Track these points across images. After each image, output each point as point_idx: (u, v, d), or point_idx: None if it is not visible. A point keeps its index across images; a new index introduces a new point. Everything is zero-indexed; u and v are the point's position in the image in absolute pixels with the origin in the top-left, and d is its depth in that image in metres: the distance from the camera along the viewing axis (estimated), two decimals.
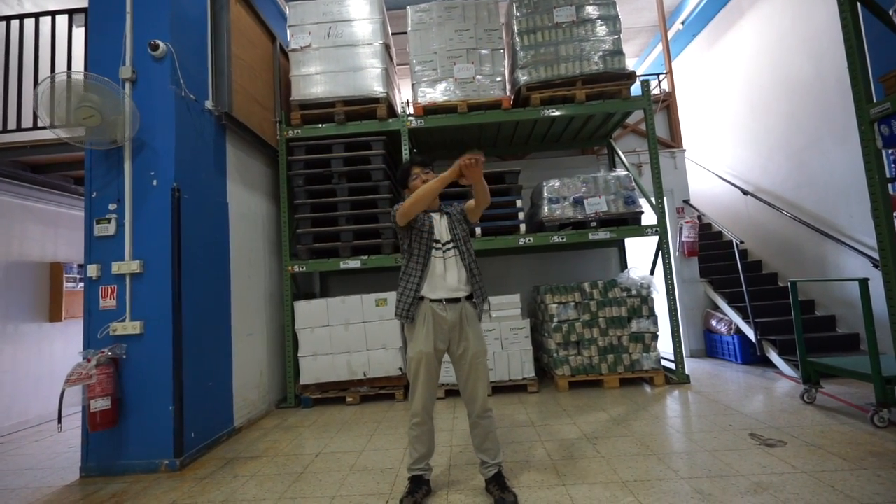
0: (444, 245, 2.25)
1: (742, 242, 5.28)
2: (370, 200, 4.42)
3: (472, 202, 2.30)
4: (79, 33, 3.62)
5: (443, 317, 2.17)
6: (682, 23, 7.00)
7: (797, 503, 1.92)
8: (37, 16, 3.71)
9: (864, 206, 4.21)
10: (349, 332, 4.25)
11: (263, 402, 4.06)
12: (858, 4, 2.88)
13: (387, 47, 4.62)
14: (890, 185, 2.81)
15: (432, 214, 2.31)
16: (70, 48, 3.75)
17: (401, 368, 4.21)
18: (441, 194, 2.28)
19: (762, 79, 5.67)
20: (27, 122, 3.79)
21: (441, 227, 2.29)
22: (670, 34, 7.01)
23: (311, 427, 3.57)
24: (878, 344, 2.83)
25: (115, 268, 2.93)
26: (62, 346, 4.57)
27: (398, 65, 5.86)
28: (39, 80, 2.74)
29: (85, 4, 3.31)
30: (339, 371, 4.23)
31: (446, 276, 2.21)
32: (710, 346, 5.41)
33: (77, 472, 2.84)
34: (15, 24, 3.78)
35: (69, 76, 2.85)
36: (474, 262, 2.31)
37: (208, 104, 3.51)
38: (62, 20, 3.72)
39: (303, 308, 4.30)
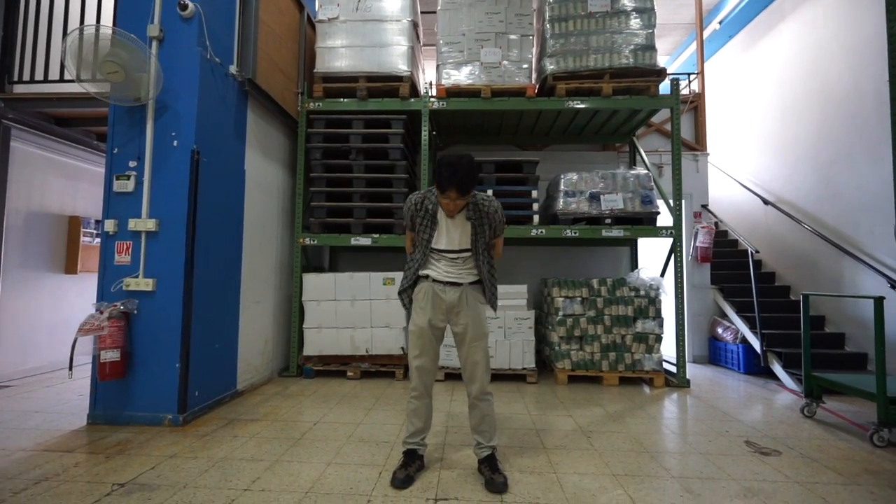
0: (455, 252, 2.17)
1: (758, 252, 5.20)
2: (385, 179, 4.42)
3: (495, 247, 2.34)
4: None
5: (441, 297, 2.19)
6: (720, 22, 6.79)
7: None
8: None
9: (888, 224, 4.12)
10: (355, 308, 4.29)
11: (266, 368, 4.14)
12: None
13: (415, 25, 4.56)
14: None
15: (447, 219, 2.17)
16: (100, 2, 3.77)
17: (402, 348, 4.26)
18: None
19: (796, 86, 5.51)
20: (54, 74, 3.83)
21: (456, 234, 2.17)
22: (706, 33, 6.81)
23: (312, 397, 3.64)
24: (886, 364, 2.79)
25: (132, 224, 2.98)
26: (76, 297, 4.69)
27: (424, 45, 5.79)
28: (68, 32, 2.75)
29: None
30: (343, 345, 4.29)
31: (450, 269, 2.21)
32: (714, 354, 5.38)
33: (84, 418, 2.94)
34: None
35: (97, 29, 2.87)
36: (486, 260, 2.24)
37: (232, 69, 3.51)
38: None
39: (311, 281, 4.34)
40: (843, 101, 4.79)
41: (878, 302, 2.85)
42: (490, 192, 4.40)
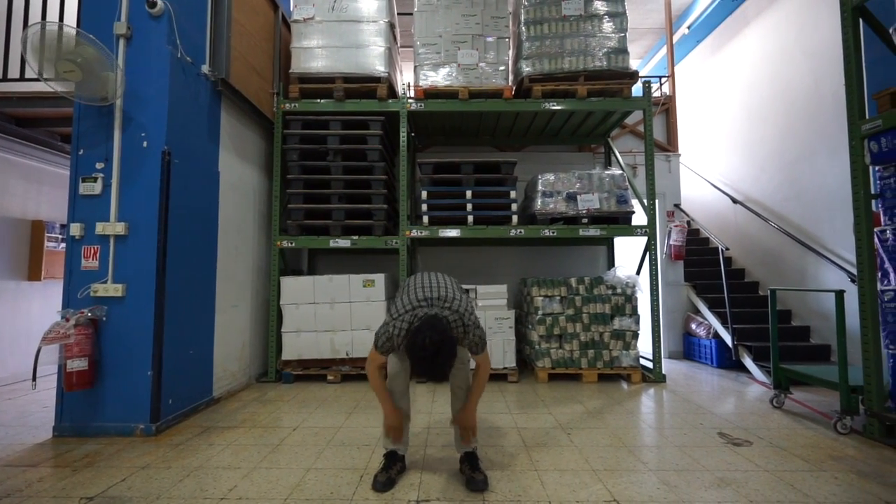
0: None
1: (727, 249, 5.38)
2: (364, 181, 4.39)
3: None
4: None
5: None
6: (688, 27, 7.01)
7: (757, 498, 2.00)
8: None
9: (848, 221, 4.32)
10: (334, 311, 4.24)
11: (244, 374, 4.05)
12: (861, 21, 2.92)
13: (391, 26, 4.55)
14: (874, 202, 2.88)
15: None
16: None
17: None
18: None
19: (761, 89, 5.73)
20: (14, 72, 3.67)
21: None
22: (675, 38, 7.02)
23: (291, 402, 3.58)
24: (847, 355, 2.92)
25: (100, 228, 2.87)
26: (40, 305, 4.49)
27: (401, 46, 5.78)
28: (28, 25, 2.64)
29: None
30: (322, 349, 4.23)
31: None
32: (688, 349, 5.53)
33: (50, 431, 2.82)
34: None
35: (60, 27, 2.76)
36: (466, 377, 2.21)
37: (205, 69, 3.43)
38: None
39: (289, 284, 4.28)
40: (804, 104, 5.01)
41: (839, 295, 2.99)
42: (469, 193, 4.43)
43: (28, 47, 2.57)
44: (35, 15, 3.50)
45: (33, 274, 4.41)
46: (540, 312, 4.27)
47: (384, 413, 2.17)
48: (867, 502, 1.97)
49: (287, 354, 4.24)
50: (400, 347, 2.04)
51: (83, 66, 2.66)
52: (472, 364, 2.27)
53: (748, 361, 4.59)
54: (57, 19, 3.39)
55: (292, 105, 4.40)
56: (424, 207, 4.45)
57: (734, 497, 2.01)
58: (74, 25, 2.91)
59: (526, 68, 4.39)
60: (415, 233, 4.37)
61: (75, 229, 2.88)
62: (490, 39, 4.45)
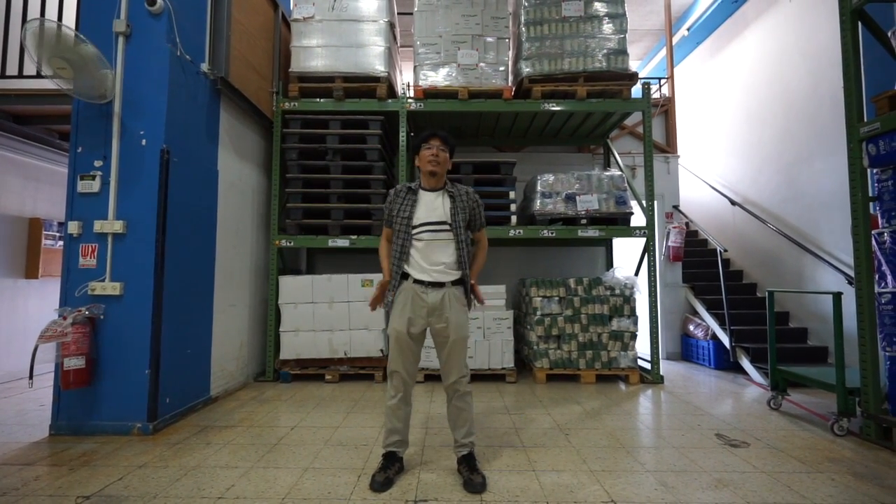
0: (433, 224, 2.18)
1: (726, 251, 5.39)
2: (363, 180, 4.39)
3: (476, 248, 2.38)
4: None
5: (423, 299, 2.17)
6: (688, 29, 7.02)
7: (754, 499, 2.00)
8: None
9: (845, 223, 4.32)
10: (333, 311, 4.24)
11: (242, 373, 4.04)
12: (860, 24, 2.93)
13: (391, 26, 4.55)
14: (871, 204, 2.89)
15: (427, 193, 2.24)
16: None
17: (382, 350, 4.23)
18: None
19: (760, 91, 5.74)
20: (12, 69, 3.65)
21: (435, 205, 2.21)
22: (675, 39, 7.03)
23: (289, 401, 3.57)
24: (845, 357, 2.93)
25: (98, 226, 2.86)
26: (37, 303, 4.47)
27: (401, 46, 5.78)
28: (28, 20, 2.63)
29: None
30: (321, 348, 4.23)
31: (430, 256, 2.18)
32: (686, 350, 5.54)
33: (46, 430, 2.81)
34: None
35: (49, 23, 2.75)
36: (467, 248, 2.27)
37: (204, 67, 3.42)
38: None
39: (288, 283, 4.27)
40: (803, 106, 5.03)
41: (837, 297, 3.00)
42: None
43: (28, 43, 2.56)
44: (34, 12, 3.49)
45: (31, 272, 4.40)
46: (538, 313, 4.28)
47: (383, 273, 2.30)
48: None
49: (285, 354, 4.23)
50: (402, 195, 2.25)
51: (75, 64, 2.64)
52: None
53: (746, 363, 4.59)
54: (56, 17, 3.38)
55: (292, 104, 4.39)
56: None
57: (731, 498, 2.02)
58: (60, 21, 2.90)
59: (526, 69, 4.40)
60: None
61: (73, 227, 2.87)
62: (490, 39, 4.45)
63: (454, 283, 2.22)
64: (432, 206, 2.21)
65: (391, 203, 2.28)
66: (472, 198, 2.30)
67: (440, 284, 2.18)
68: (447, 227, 2.19)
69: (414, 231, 2.19)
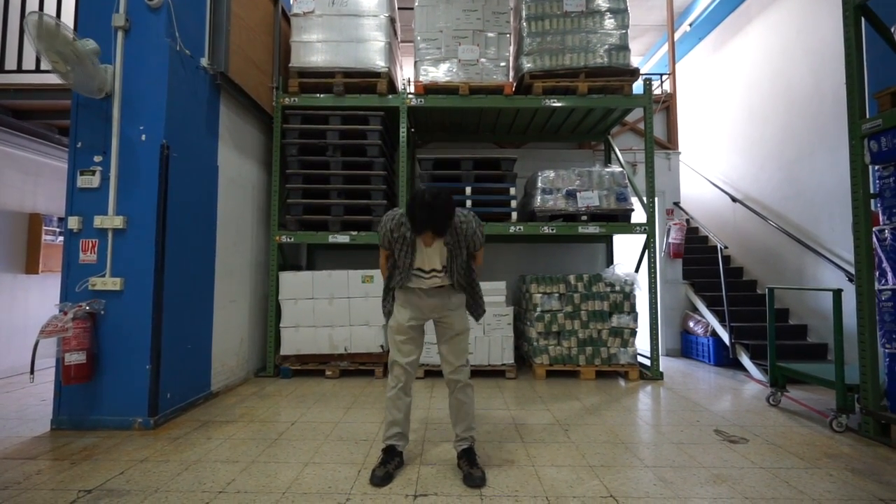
0: (430, 271, 2.16)
1: (726, 248, 5.39)
2: (363, 176, 4.38)
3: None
4: None
5: (423, 299, 2.21)
6: (690, 24, 6.99)
7: (753, 495, 2.01)
8: None
9: (846, 221, 4.32)
10: (333, 307, 4.24)
11: (242, 369, 4.05)
12: (863, 20, 2.91)
13: (392, 21, 4.53)
14: (872, 202, 2.88)
15: (425, 248, 2.13)
16: None
17: (382, 345, 4.23)
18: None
19: (762, 87, 5.72)
20: (11, 64, 3.64)
21: (432, 256, 2.13)
22: (677, 35, 7.00)
23: (289, 397, 3.58)
24: (844, 354, 2.93)
25: (98, 221, 2.86)
26: (38, 299, 4.48)
27: (402, 41, 5.75)
28: (27, 14, 2.61)
29: None
30: (321, 344, 4.24)
31: (429, 282, 2.19)
32: (686, 346, 5.55)
33: (48, 424, 2.82)
34: None
35: (55, 20, 2.73)
36: (465, 272, 2.23)
37: (204, 62, 3.41)
38: None
39: (288, 279, 4.27)
40: (805, 103, 5.01)
41: (837, 294, 3.00)
42: (469, 189, 4.42)
43: (29, 35, 2.55)
44: (32, 4, 3.47)
45: (31, 267, 4.40)
46: (538, 309, 4.28)
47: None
48: (861, 499, 1.98)
49: (285, 349, 4.24)
50: (398, 239, 2.12)
51: (69, 59, 2.63)
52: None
53: (745, 359, 4.60)
54: (55, 11, 3.37)
55: (292, 99, 4.38)
56: None
57: (730, 493, 2.03)
58: (58, 16, 2.87)
59: (527, 64, 4.38)
60: None
61: (73, 222, 2.87)
62: (491, 35, 4.43)
63: (453, 285, 2.23)
64: (429, 255, 2.14)
65: (388, 238, 2.15)
66: (469, 228, 2.13)
67: (439, 287, 2.22)
68: (443, 272, 2.17)
69: (413, 269, 2.18)
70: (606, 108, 4.68)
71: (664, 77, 6.21)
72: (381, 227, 2.17)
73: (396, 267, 2.21)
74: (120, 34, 2.95)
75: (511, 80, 4.59)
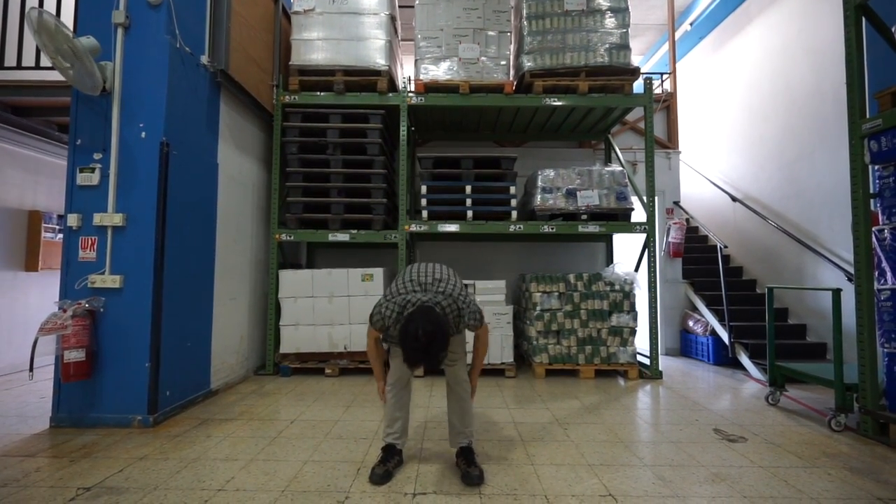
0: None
1: (726, 247, 5.39)
2: (363, 174, 4.38)
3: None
4: None
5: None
6: (691, 24, 6.98)
7: (751, 494, 2.02)
8: None
9: (846, 220, 4.32)
10: (333, 305, 4.24)
11: (242, 367, 4.06)
12: (863, 20, 2.91)
13: (392, 19, 4.52)
14: (872, 201, 2.88)
15: None
16: None
17: None
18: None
19: (762, 87, 5.71)
20: (11, 60, 3.63)
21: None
22: (678, 34, 6.99)
23: (289, 395, 3.59)
24: (843, 353, 2.94)
25: (97, 219, 2.86)
26: (37, 296, 4.48)
27: (402, 40, 5.74)
28: (28, 10, 2.60)
29: None
30: (320, 342, 4.24)
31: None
32: (685, 346, 5.56)
33: (47, 421, 2.82)
34: None
35: (54, 18, 2.73)
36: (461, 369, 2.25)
37: (204, 59, 3.40)
38: None
39: (288, 277, 4.27)
40: (806, 102, 5.00)
41: (836, 294, 3.00)
42: (469, 188, 4.42)
43: (34, 30, 2.54)
44: (32, 0, 3.46)
45: (30, 264, 4.40)
46: (538, 308, 4.28)
47: (375, 376, 2.32)
48: (860, 498, 1.99)
49: (285, 348, 4.24)
50: (391, 330, 2.06)
51: (67, 56, 2.62)
52: (467, 363, 2.32)
53: (744, 359, 4.61)
54: (55, 7, 3.36)
55: (292, 97, 4.37)
56: (424, 202, 4.44)
57: (728, 492, 2.03)
58: (59, 10, 2.86)
59: (527, 63, 4.37)
60: (414, 227, 4.37)
61: (73, 220, 2.87)
62: (491, 33, 4.42)
63: None
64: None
65: (383, 325, 2.07)
66: (464, 317, 2.08)
67: None
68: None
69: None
70: (607, 108, 4.68)
71: (664, 76, 6.20)
72: (378, 314, 2.05)
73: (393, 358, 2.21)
74: (120, 31, 2.95)
75: (511, 78, 4.59)
